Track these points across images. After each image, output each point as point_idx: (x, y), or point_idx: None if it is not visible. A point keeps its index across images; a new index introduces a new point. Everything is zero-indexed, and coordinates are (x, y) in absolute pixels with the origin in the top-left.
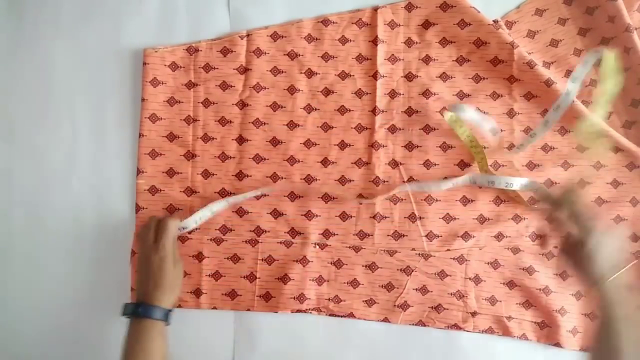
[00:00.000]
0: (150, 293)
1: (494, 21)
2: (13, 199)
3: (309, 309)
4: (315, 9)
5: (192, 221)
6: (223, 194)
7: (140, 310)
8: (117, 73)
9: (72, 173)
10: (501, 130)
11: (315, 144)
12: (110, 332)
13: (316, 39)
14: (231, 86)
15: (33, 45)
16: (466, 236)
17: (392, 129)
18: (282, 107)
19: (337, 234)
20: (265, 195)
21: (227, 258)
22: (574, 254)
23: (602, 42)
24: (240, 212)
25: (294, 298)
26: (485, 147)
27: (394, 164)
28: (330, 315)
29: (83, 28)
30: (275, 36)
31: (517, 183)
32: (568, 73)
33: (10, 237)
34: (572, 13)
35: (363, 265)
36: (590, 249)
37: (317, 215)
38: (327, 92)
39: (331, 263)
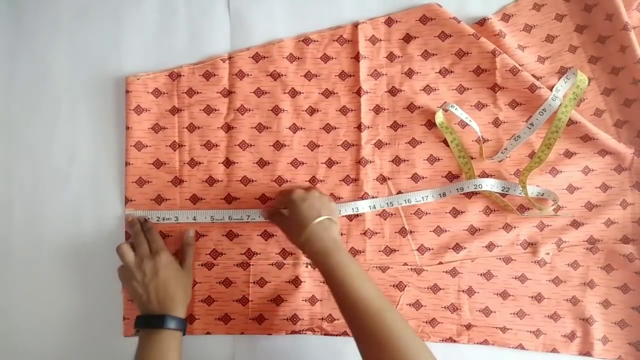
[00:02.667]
0: (162, 304)
1: (486, 18)
2: (13, 199)
3: (303, 330)
4: (315, 9)
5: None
6: (212, 218)
7: (156, 322)
8: (117, 73)
9: (71, 173)
10: (487, 140)
11: (303, 163)
12: (109, 328)
13: (298, 58)
14: (215, 110)
15: (32, 45)
16: (457, 248)
17: (379, 144)
18: (267, 127)
19: None
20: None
21: (219, 282)
22: (283, 223)
23: (599, 39)
24: (230, 235)
25: (287, 319)
26: (473, 158)
27: (382, 179)
28: (324, 334)
29: (83, 28)
30: (257, 57)
31: (485, 184)
32: (562, 69)
33: (10, 237)
34: (570, 9)
35: None
36: (290, 210)
37: None
38: (312, 110)
39: (323, 282)
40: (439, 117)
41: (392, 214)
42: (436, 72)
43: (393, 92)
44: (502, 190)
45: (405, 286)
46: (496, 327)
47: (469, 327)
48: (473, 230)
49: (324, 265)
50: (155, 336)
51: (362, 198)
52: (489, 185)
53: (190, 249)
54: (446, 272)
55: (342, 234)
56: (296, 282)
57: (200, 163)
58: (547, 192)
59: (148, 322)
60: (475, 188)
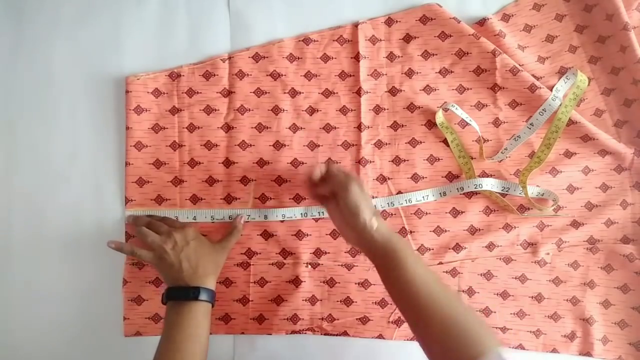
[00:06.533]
0: (195, 274)
1: (486, 18)
2: (13, 199)
3: (303, 330)
4: (315, 9)
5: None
6: (212, 217)
7: (190, 293)
8: (117, 73)
9: (71, 173)
10: (487, 140)
11: (303, 163)
12: (110, 328)
13: (298, 58)
14: (215, 110)
15: (32, 45)
16: (457, 248)
17: (379, 144)
18: (267, 127)
19: (328, 253)
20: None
21: (219, 282)
22: (339, 212)
23: (599, 39)
24: None
25: (287, 319)
26: (473, 158)
27: (382, 179)
28: (324, 334)
29: (82, 29)
30: (256, 57)
31: (486, 184)
32: (562, 69)
33: (10, 237)
34: (570, 9)
35: (356, 283)
36: (353, 200)
37: (307, 235)
38: (312, 110)
39: (324, 282)
40: (439, 118)
41: (392, 214)
42: (436, 72)
43: (393, 92)
44: (502, 190)
45: None
46: (496, 327)
47: None
48: (473, 231)
49: (391, 256)
50: (188, 308)
51: None
52: (489, 185)
53: (236, 232)
54: (446, 272)
55: None
56: (296, 282)
57: (200, 163)
58: (547, 192)
59: (180, 294)
60: (475, 188)
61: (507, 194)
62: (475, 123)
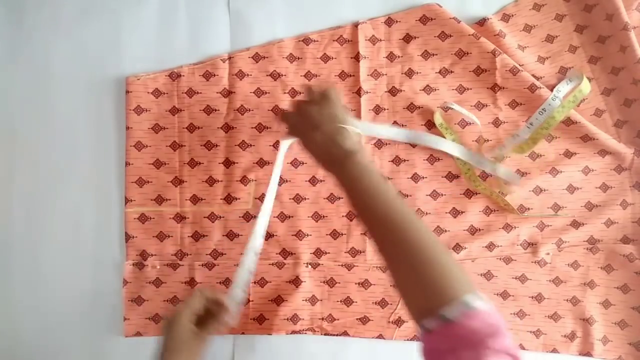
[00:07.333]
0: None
1: (486, 18)
2: (13, 199)
3: (303, 330)
4: (315, 9)
5: (239, 290)
6: (212, 218)
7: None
8: (117, 73)
9: (71, 173)
10: (487, 140)
11: (303, 163)
12: (110, 328)
13: (298, 58)
14: (215, 110)
15: (32, 45)
16: (457, 248)
17: (379, 144)
18: (267, 127)
19: (328, 253)
20: (254, 216)
21: (220, 282)
22: (315, 137)
23: (599, 39)
24: (230, 235)
25: (288, 319)
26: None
27: None
28: (324, 334)
29: (82, 29)
30: (256, 57)
31: (451, 148)
32: (562, 69)
33: (10, 237)
34: (570, 9)
35: (356, 283)
36: (336, 127)
37: (307, 235)
38: None
39: (324, 282)
40: (438, 119)
41: None
42: (436, 72)
43: (393, 92)
44: (471, 161)
45: None
46: None
47: None
48: (473, 231)
49: (338, 174)
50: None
51: None
52: (456, 151)
53: (217, 325)
54: None
55: (342, 234)
56: (296, 282)
57: (200, 163)
58: (512, 176)
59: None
60: (438, 145)
61: (472, 168)
62: (475, 117)
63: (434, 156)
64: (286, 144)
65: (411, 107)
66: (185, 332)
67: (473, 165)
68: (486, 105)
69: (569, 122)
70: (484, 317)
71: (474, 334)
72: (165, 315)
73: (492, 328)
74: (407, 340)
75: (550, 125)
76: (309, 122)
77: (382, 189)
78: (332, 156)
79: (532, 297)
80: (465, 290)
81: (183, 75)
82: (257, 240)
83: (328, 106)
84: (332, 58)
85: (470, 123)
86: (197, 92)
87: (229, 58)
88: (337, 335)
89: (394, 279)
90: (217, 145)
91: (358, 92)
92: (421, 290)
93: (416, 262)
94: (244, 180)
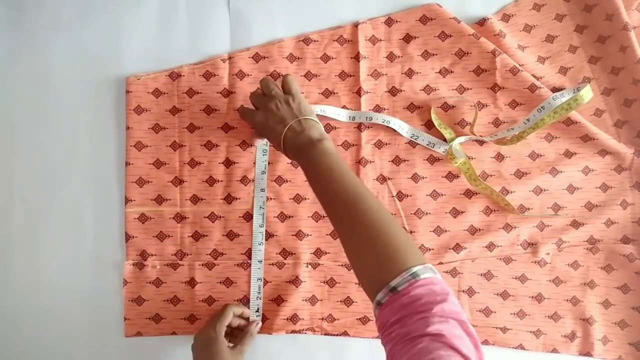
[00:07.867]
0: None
1: (486, 18)
2: (13, 199)
3: (303, 330)
4: (315, 9)
5: (259, 300)
6: (212, 218)
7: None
8: (117, 73)
9: (71, 173)
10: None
11: None
12: (110, 328)
13: (298, 58)
14: (216, 110)
15: (32, 45)
16: (457, 248)
17: (379, 144)
18: None
19: (328, 253)
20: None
21: (220, 282)
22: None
23: (599, 39)
24: (230, 235)
25: (288, 319)
26: (471, 158)
27: (382, 179)
28: (324, 334)
29: (82, 29)
30: (257, 57)
31: (400, 126)
32: (562, 70)
33: (10, 237)
34: (570, 9)
35: (356, 283)
36: (300, 120)
37: (307, 235)
38: None
39: (324, 282)
40: (436, 120)
41: (392, 214)
42: (436, 72)
43: (393, 92)
44: (423, 143)
45: None
46: (496, 328)
47: None
48: (473, 231)
49: (303, 161)
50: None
51: None
52: (405, 130)
53: (250, 338)
54: (446, 272)
55: None
56: (296, 282)
57: (200, 163)
58: (461, 155)
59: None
60: (388, 123)
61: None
62: (466, 97)
63: (434, 156)
64: (261, 147)
65: (411, 107)
66: (225, 350)
67: (424, 145)
68: (486, 105)
69: (569, 122)
70: (429, 284)
71: (419, 300)
72: (197, 335)
73: (437, 295)
74: None
75: (538, 127)
76: (272, 119)
77: (340, 169)
78: (301, 147)
79: (532, 297)
80: (415, 262)
81: (183, 75)
82: (257, 249)
83: (288, 98)
84: (332, 58)
85: (469, 123)
86: (198, 92)
87: (229, 58)
88: (337, 335)
89: (348, 257)
90: (217, 145)
91: (358, 92)
92: (372, 264)
93: (366, 237)
94: (244, 180)
